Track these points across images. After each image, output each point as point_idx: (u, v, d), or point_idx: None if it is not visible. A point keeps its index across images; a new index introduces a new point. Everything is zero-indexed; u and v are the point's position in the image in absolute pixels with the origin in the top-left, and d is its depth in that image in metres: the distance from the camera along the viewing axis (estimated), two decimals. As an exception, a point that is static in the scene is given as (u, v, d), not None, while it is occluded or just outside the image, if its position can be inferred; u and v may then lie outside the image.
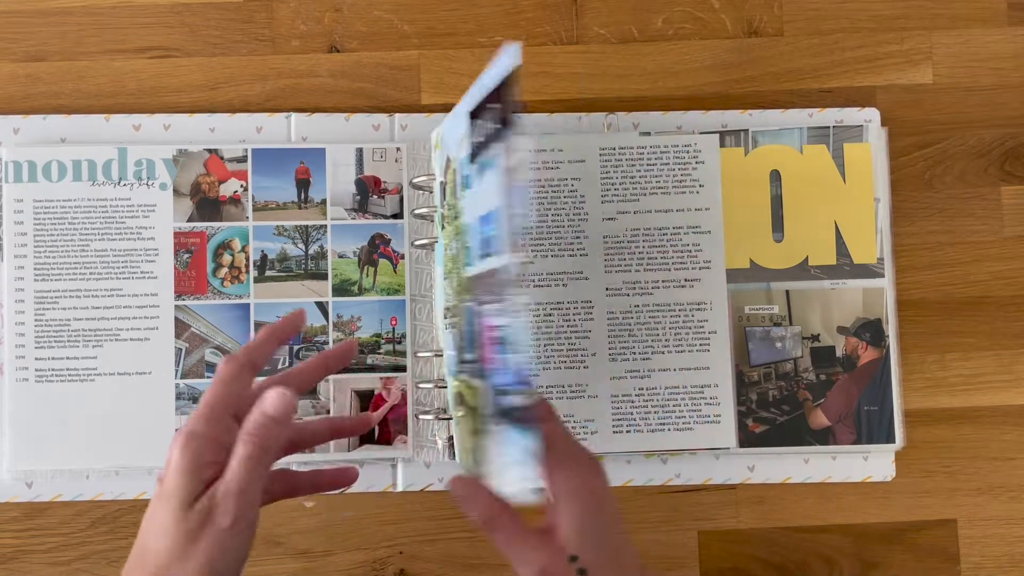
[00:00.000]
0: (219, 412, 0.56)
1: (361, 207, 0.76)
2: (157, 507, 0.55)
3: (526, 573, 0.55)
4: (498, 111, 0.55)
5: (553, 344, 0.76)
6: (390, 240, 0.76)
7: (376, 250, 0.76)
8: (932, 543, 0.78)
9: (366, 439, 0.75)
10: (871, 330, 0.76)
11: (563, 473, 0.56)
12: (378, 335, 0.75)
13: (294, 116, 0.78)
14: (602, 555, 0.55)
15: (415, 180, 0.76)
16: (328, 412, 0.75)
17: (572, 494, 0.56)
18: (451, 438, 0.75)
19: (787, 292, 0.77)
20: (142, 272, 0.75)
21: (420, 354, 0.76)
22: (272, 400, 0.54)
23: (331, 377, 0.74)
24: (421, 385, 0.75)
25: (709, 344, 0.76)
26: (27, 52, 0.79)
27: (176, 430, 0.60)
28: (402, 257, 0.76)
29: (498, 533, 0.56)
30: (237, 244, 0.76)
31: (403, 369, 0.75)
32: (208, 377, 0.74)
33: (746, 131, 0.77)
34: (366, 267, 0.76)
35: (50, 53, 0.79)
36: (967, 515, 0.78)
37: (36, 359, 0.74)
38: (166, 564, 0.54)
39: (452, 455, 0.75)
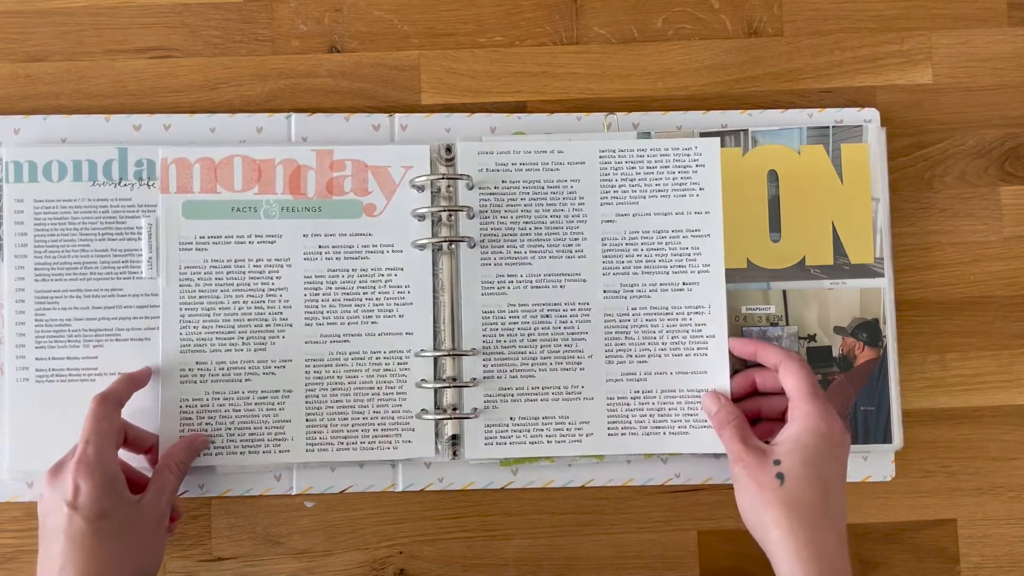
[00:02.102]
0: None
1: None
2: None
3: (731, 458, 0.68)
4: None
5: (550, 346, 0.75)
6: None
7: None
8: (932, 543, 0.78)
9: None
10: (868, 330, 0.76)
11: (808, 402, 0.67)
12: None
13: (294, 116, 0.78)
14: (807, 472, 0.65)
15: (415, 180, 0.76)
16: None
17: (804, 418, 0.66)
18: (453, 437, 0.76)
19: (784, 292, 0.77)
20: (140, 274, 0.76)
21: (421, 354, 0.76)
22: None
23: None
24: (421, 385, 0.75)
25: (707, 348, 0.76)
26: (27, 52, 0.79)
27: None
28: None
29: (726, 429, 0.70)
30: (237, 244, 0.77)
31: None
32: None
33: (745, 131, 0.78)
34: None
35: (50, 53, 0.79)
36: (967, 515, 0.79)
37: (36, 359, 0.75)
38: None
39: (454, 455, 0.76)
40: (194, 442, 0.73)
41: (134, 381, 0.72)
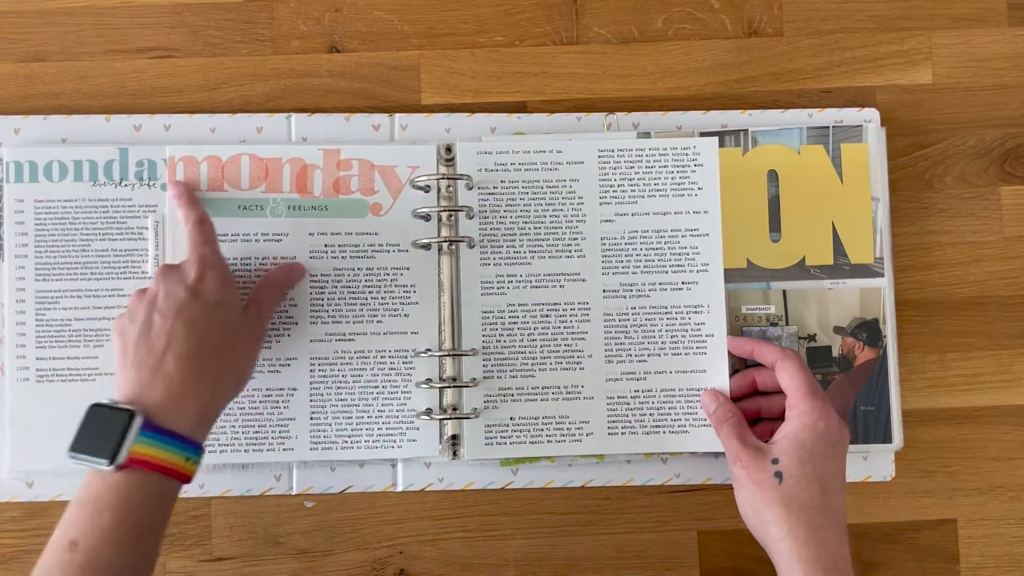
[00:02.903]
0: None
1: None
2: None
3: (729, 457, 0.69)
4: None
5: (549, 345, 0.76)
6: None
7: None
8: (932, 543, 0.79)
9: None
10: (868, 330, 0.77)
11: (805, 400, 0.68)
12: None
13: (294, 116, 0.79)
14: (804, 470, 0.65)
15: (416, 180, 0.77)
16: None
17: (801, 416, 0.67)
18: (453, 437, 0.76)
19: (784, 292, 0.77)
20: (143, 272, 0.76)
21: (421, 355, 0.77)
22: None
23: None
24: (423, 385, 0.76)
25: (706, 347, 0.76)
26: (27, 52, 0.80)
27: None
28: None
29: (724, 427, 0.71)
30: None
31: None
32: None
33: (745, 131, 0.78)
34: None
35: (50, 53, 0.80)
36: (967, 515, 0.79)
37: (37, 359, 0.75)
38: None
39: (454, 455, 0.76)
40: (292, 269, 0.75)
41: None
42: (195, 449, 0.63)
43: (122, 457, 0.60)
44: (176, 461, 0.61)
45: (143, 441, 0.60)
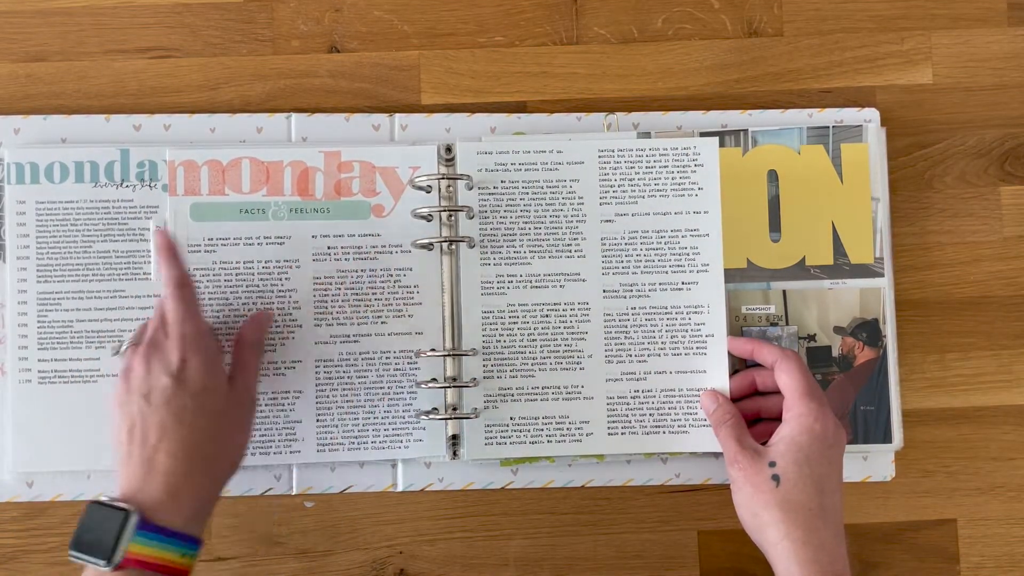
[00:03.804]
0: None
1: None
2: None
3: (727, 459, 0.70)
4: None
5: (549, 345, 0.76)
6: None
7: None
8: (932, 543, 0.79)
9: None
10: (868, 330, 0.77)
11: (802, 401, 0.69)
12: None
13: (294, 116, 0.79)
14: (801, 472, 0.66)
15: (417, 180, 0.77)
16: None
17: (798, 418, 0.68)
18: (454, 437, 0.77)
19: (784, 292, 0.78)
20: (145, 274, 0.76)
21: (425, 354, 0.77)
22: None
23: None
24: (425, 385, 0.76)
25: (706, 347, 0.77)
26: (27, 52, 0.80)
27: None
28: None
29: (722, 429, 0.72)
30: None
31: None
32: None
33: (745, 131, 0.78)
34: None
35: (50, 53, 0.80)
36: (967, 515, 0.80)
37: (39, 360, 0.75)
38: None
39: (454, 455, 0.77)
40: (260, 318, 0.75)
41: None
42: (192, 544, 0.63)
43: (119, 557, 0.60)
44: (172, 558, 0.62)
45: (139, 541, 0.61)
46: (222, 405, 0.67)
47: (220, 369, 0.68)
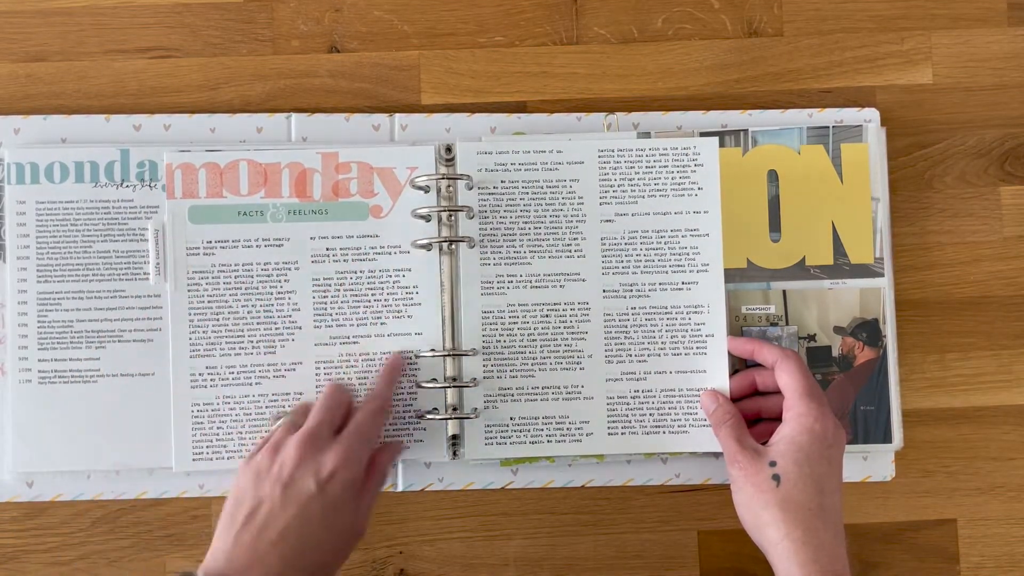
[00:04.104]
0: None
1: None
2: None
3: (727, 459, 0.71)
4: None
5: (549, 345, 0.77)
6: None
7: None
8: (932, 543, 0.79)
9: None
10: (868, 330, 0.77)
11: (802, 401, 0.69)
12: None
13: (294, 116, 0.79)
14: (801, 472, 0.66)
15: (416, 180, 0.77)
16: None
17: (798, 418, 0.68)
18: (454, 437, 0.77)
19: (784, 292, 0.78)
20: (145, 273, 0.76)
21: (426, 354, 0.77)
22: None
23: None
24: (425, 385, 0.76)
25: (706, 347, 0.77)
26: (27, 52, 0.80)
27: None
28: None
29: (722, 429, 0.72)
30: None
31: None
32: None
33: (745, 131, 0.78)
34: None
35: (50, 53, 0.80)
36: (967, 515, 0.80)
37: (39, 360, 0.75)
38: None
39: (454, 455, 0.77)
40: (397, 450, 0.75)
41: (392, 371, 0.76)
42: None
43: None
44: None
45: None
46: (345, 525, 0.66)
47: (358, 494, 0.68)
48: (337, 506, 0.65)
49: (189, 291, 0.76)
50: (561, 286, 0.77)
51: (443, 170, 0.78)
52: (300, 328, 0.77)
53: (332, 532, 0.65)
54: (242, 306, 0.76)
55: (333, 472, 0.65)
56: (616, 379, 0.77)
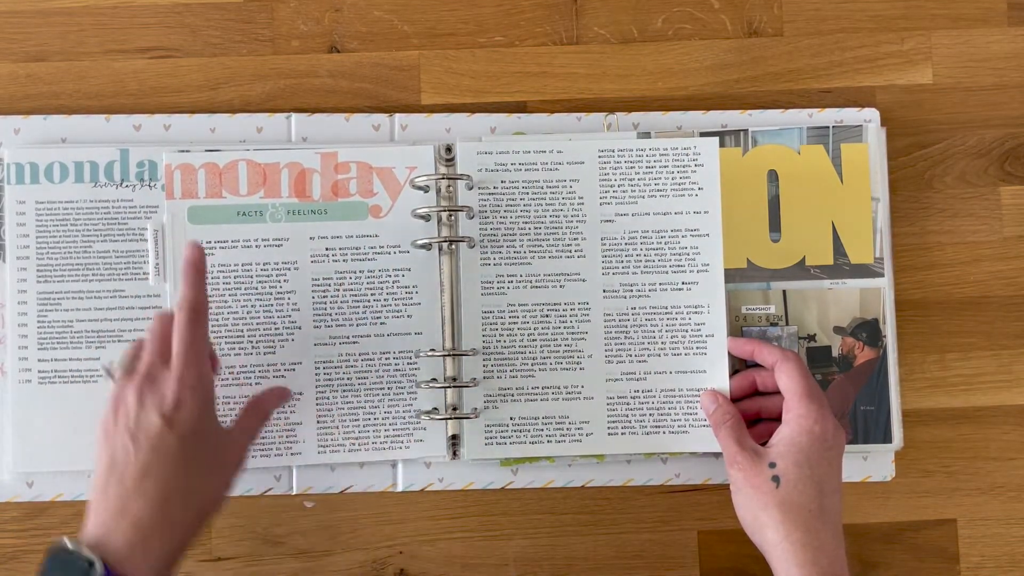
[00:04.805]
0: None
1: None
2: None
3: (726, 460, 0.71)
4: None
5: (549, 345, 0.77)
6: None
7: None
8: (932, 543, 0.80)
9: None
10: (868, 330, 0.77)
11: (802, 403, 0.69)
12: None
13: (294, 116, 0.79)
14: (801, 473, 0.66)
15: (416, 180, 0.77)
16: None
17: (798, 419, 0.68)
18: (453, 437, 0.77)
19: (784, 292, 0.78)
20: (145, 273, 0.76)
21: (425, 354, 0.77)
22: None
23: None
24: (425, 385, 0.76)
25: (706, 347, 0.77)
26: (27, 52, 0.80)
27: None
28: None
29: (722, 429, 0.72)
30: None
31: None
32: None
33: (745, 131, 0.78)
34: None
35: (50, 53, 0.80)
36: (967, 515, 0.80)
37: (39, 360, 0.76)
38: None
39: (454, 455, 0.77)
40: (283, 395, 0.74)
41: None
42: None
43: None
44: None
45: None
46: (210, 453, 0.65)
47: (213, 414, 0.66)
48: (195, 433, 0.63)
49: (189, 291, 0.76)
50: (561, 286, 0.77)
51: (443, 170, 0.78)
52: (300, 328, 0.77)
53: (200, 464, 0.64)
54: (241, 306, 0.76)
55: (177, 401, 0.63)
56: (616, 379, 0.77)
